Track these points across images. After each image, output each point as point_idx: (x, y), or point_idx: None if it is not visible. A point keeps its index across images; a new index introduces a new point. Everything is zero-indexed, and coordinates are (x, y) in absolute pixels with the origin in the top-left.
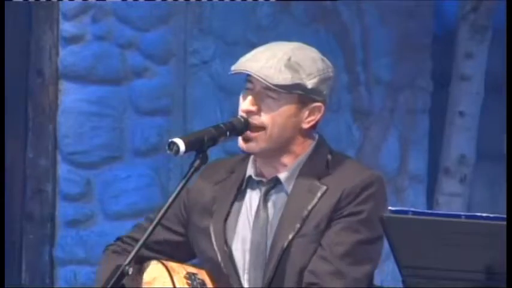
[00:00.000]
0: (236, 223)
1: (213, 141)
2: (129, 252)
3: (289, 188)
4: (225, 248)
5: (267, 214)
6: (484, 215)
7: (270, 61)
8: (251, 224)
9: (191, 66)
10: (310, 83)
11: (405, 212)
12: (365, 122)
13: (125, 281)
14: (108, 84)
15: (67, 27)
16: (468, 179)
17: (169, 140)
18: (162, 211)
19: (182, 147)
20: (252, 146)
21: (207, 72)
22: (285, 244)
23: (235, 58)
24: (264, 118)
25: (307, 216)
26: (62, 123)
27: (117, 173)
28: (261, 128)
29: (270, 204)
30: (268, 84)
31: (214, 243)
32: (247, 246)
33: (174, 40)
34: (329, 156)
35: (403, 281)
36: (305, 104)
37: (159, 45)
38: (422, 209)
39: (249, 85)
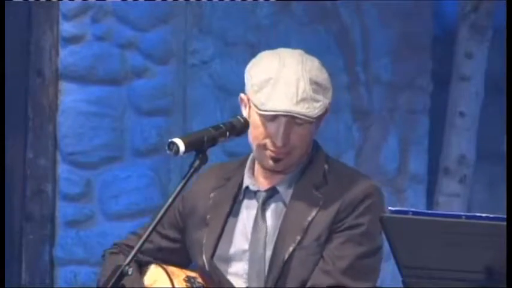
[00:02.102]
0: (233, 234)
1: (213, 141)
2: (127, 255)
3: (287, 197)
4: (214, 261)
5: (265, 224)
6: (484, 215)
7: (300, 93)
8: (249, 234)
9: (191, 66)
10: (330, 97)
11: (405, 212)
12: (365, 122)
13: (125, 282)
14: (108, 85)
15: (67, 28)
16: (468, 179)
17: (169, 140)
18: (162, 212)
19: (182, 147)
20: (279, 166)
21: (207, 73)
22: (286, 256)
23: (235, 58)
24: (293, 145)
25: (308, 227)
26: (62, 123)
27: (117, 173)
28: (291, 152)
29: (268, 214)
30: (310, 120)
31: (204, 256)
32: (246, 256)
33: (173, 40)
34: (326, 166)
35: (403, 281)
36: (323, 116)
37: (159, 46)
38: (422, 209)
39: (276, 113)
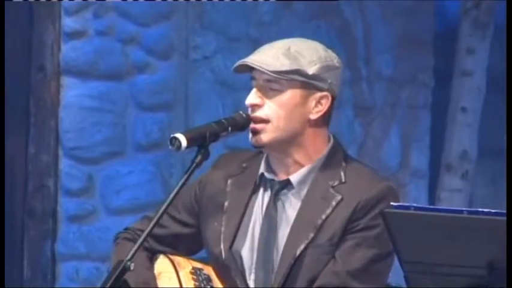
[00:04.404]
0: (248, 222)
1: (215, 136)
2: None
3: (301, 192)
4: (232, 251)
5: (276, 215)
6: (486, 210)
7: (268, 52)
8: (261, 223)
9: (193, 61)
10: (311, 70)
11: (407, 208)
12: (367, 117)
13: (129, 274)
14: (110, 80)
15: (69, 23)
16: (470, 174)
17: (171, 136)
18: (163, 208)
19: (184, 142)
20: (260, 138)
21: (209, 68)
22: (297, 253)
23: (237, 53)
24: (268, 111)
25: (321, 225)
26: (64, 118)
27: (118, 168)
28: (267, 120)
29: (279, 205)
30: (265, 71)
31: (222, 245)
32: (255, 245)
33: (175, 35)
34: (344, 164)
35: (405, 277)
36: (310, 93)
37: (161, 41)
38: (424, 204)
39: (253, 82)
